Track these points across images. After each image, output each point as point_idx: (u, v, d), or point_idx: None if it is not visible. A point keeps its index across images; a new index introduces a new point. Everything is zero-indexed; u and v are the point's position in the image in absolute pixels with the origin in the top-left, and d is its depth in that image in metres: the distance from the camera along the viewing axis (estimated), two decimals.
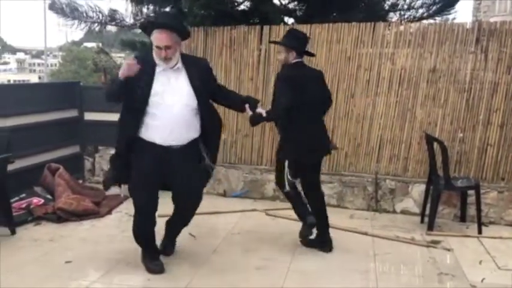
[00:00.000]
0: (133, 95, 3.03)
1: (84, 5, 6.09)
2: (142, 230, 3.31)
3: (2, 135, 4.15)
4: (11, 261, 3.47)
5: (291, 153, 3.60)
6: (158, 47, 3.01)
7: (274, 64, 5.05)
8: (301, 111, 3.49)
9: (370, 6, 5.99)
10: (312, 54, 3.94)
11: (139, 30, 8.13)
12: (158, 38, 3.00)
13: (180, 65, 3.12)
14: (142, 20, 6.12)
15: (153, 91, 3.05)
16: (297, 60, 3.62)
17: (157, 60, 3.07)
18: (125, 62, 3.07)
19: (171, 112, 3.07)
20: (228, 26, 5.19)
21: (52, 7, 6.04)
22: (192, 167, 3.24)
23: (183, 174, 3.18)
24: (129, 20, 6.25)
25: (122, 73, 2.97)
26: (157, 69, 3.08)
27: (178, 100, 3.09)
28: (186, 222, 3.47)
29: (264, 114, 3.38)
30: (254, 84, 5.17)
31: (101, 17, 6.09)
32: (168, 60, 3.04)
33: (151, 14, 6.08)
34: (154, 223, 3.30)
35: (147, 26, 3.14)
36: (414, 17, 6.29)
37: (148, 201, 3.21)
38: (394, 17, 6.46)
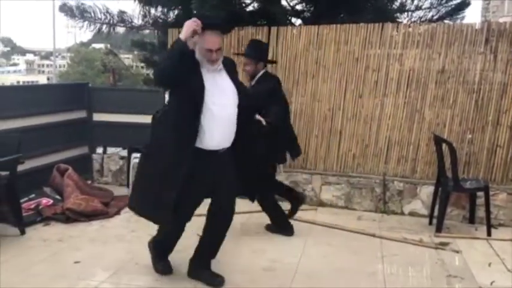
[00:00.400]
0: (187, 92, 2.85)
1: (92, 6, 6.14)
2: (173, 239, 3.24)
3: (12, 136, 4.19)
4: (21, 261, 3.50)
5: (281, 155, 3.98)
6: (209, 50, 2.85)
7: (281, 64, 5.05)
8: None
9: (378, 7, 5.97)
10: (274, 62, 4.27)
11: (147, 31, 8.19)
12: (211, 40, 2.84)
13: (221, 65, 3.00)
14: (150, 21, 6.15)
15: (205, 91, 2.88)
16: (265, 69, 3.87)
17: (202, 62, 2.91)
18: (185, 24, 2.79)
19: (225, 112, 2.94)
20: (235, 27, 5.20)
21: (62, 8, 6.10)
22: (233, 171, 3.08)
23: (226, 180, 3.05)
24: (138, 21, 6.28)
25: (184, 33, 2.73)
26: (202, 70, 2.92)
27: (228, 100, 2.97)
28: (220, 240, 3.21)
29: (264, 122, 3.44)
30: None
31: (109, 18, 6.13)
32: (216, 62, 2.92)
33: (160, 15, 6.10)
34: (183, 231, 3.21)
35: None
36: (425, 19, 6.26)
37: (191, 216, 3.09)
38: (402, 18, 6.44)
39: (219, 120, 2.91)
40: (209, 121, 2.88)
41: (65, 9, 6.07)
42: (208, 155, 2.94)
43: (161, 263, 3.33)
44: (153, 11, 6.12)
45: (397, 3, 6.46)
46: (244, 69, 3.90)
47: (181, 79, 2.81)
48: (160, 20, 6.11)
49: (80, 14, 6.04)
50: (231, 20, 3.27)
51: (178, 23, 5.79)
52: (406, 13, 6.47)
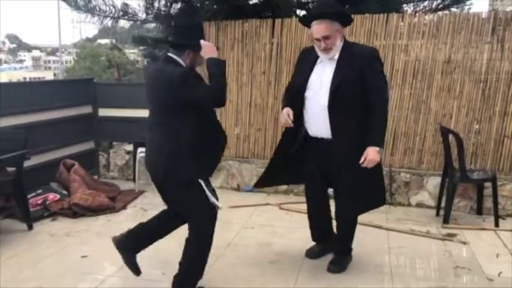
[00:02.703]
0: None
1: None
2: None
3: (18, 132, 4.21)
4: (29, 256, 3.53)
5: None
6: (317, 39, 2.93)
7: (286, 57, 5.03)
8: None
9: None
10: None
11: (151, 25, 8.16)
12: (315, 29, 2.92)
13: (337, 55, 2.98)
14: (154, 14, 6.12)
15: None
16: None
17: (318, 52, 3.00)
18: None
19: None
20: (239, 20, 5.17)
21: (66, 0, 6.07)
22: None
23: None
24: (142, 15, 6.26)
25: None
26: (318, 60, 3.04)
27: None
28: None
29: None
30: (266, 78, 5.15)
31: (113, 11, 6.11)
32: (328, 51, 2.94)
33: (163, 8, 6.07)
34: None
35: (305, 21, 3.07)
36: (430, 8, 6.19)
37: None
38: (408, 8, 6.37)
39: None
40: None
41: (70, 1, 6.05)
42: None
43: None
44: (156, 4, 6.09)
45: None
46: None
47: None
48: (163, 13, 6.07)
49: (84, 5, 6.02)
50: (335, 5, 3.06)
51: (181, 17, 5.77)
52: (411, 3, 6.40)
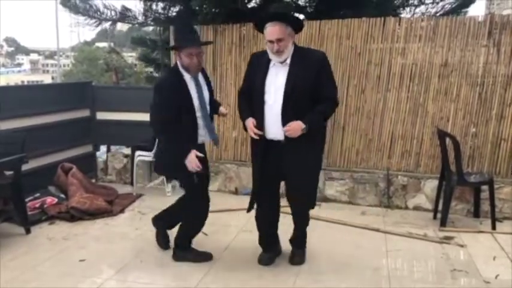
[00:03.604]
0: None
1: (95, 0, 6.12)
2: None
3: (16, 135, 4.21)
4: (27, 260, 3.53)
5: None
6: (270, 41, 2.98)
7: None
8: None
9: (381, 3, 5.92)
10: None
11: (149, 28, 8.17)
12: (269, 31, 2.98)
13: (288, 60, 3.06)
14: (152, 17, 6.14)
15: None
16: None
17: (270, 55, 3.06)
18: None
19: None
20: (237, 24, 5.19)
21: (64, 3, 6.07)
22: None
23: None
24: (140, 18, 6.27)
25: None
26: (270, 64, 3.10)
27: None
28: None
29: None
30: None
31: (112, 14, 6.12)
32: (280, 54, 3.00)
33: (161, 11, 6.09)
34: None
35: (259, 22, 3.10)
36: (428, 15, 6.22)
37: None
38: (404, 13, 6.40)
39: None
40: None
41: (68, 4, 6.05)
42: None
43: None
44: (154, 6, 6.10)
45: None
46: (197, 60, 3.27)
47: None
48: (162, 16, 6.09)
49: (84, 8, 6.02)
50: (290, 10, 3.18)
51: (180, 20, 5.79)
52: (408, 8, 6.43)
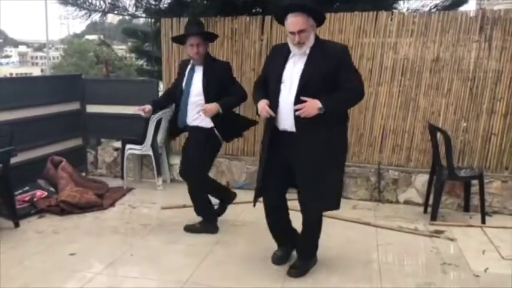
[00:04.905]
0: None
1: None
2: None
3: (5, 128, 4.15)
4: (15, 254, 3.49)
5: None
6: (291, 32, 2.91)
7: None
8: None
9: None
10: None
11: (140, 21, 8.08)
12: (291, 22, 2.90)
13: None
14: (144, 8, 6.06)
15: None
16: None
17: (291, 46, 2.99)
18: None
19: None
20: (229, 17, 5.16)
21: None
22: None
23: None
24: (131, 9, 6.19)
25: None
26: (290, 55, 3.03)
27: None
28: None
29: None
30: (256, 75, 5.13)
31: (102, 5, 6.03)
32: (301, 45, 2.93)
33: (153, 2, 6.02)
34: None
35: (280, 13, 3.02)
36: (421, 13, 6.22)
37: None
38: (398, 8, 6.40)
39: None
40: None
41: None
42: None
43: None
44: None
45: None
46: (194, 51, 3.74)
47: None
48: (153, 7, 6.02)
49: (73, 0, 5.92)
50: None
51: (171, 12, 5.73)
52: (402, 2, 6.43)
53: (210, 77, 3.70)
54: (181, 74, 3.90)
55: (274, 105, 3.00)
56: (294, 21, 2.89)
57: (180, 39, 3.88)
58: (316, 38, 3.02)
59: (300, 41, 2.90)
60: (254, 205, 3.32)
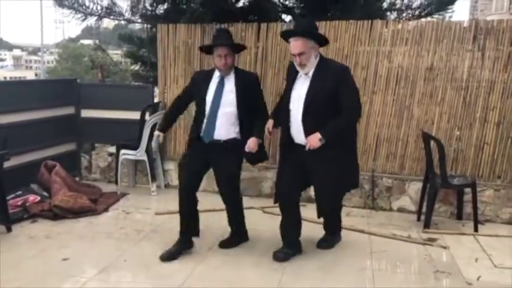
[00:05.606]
0: None
1: None
2: None
3: None
4: (8, 259, 3.46)
5: None
6: (293, 54, 3.26)
7: (271, 61, 5.05)
8: None
9: (368, 5, 5.98)
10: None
11: (135, 27, 8.08)
12: (292, 45, 3.26)
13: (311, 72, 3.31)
14: (140, 14, 6.08)
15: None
16: None
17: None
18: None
19: None
20: (225, 24, 5.17)
21: None
22: None
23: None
24: (127, 14, 6.21)
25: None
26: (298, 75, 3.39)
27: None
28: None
29: None
30: None
31: (98, 9, 6.04)
32: (303, 66, 3.26)
33: (148, 7, 6.04)
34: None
35: (284, 36, 3.40)
36: (412, 15, 6.29)
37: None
38: (391, 16, 6.46)
39: None
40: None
41: None
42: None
43: None
44: (141, 3, 6.05)
45: (387, 1, 6.48)
46: (221, 62, 3.48)
47: None
48: (149, 13, 6.04)
49: (70, 2, 5.93)
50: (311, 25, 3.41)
51: (167, 18, 5.75)
52: (395, 12, 6.49)
53: (242, 88, 3.50)
54: (198, 84, 3.61)
55: (286, 123, 3.42)
56: (294, 44, 3.23)
57: (207, 49, 3.64)
58: (321, 58, 3.34)
59: (301, 62, 3.24)
60: (275, 202, 3.67)
